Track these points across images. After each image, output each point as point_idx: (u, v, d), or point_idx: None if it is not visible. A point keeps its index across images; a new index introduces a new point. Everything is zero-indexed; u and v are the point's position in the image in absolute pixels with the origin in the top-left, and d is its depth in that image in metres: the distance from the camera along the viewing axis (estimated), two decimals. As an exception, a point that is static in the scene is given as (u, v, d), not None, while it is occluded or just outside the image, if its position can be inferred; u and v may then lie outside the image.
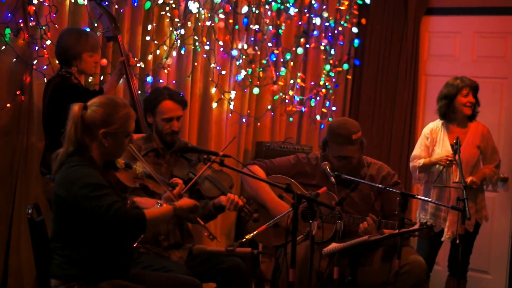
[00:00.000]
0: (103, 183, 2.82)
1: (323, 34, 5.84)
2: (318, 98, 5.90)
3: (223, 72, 5.08)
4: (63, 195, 2.81)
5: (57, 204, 2.87)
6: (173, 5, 4.64)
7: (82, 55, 3.81)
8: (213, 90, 5.04)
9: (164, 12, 4.61)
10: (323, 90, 5.91)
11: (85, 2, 4.12)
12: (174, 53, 4.72)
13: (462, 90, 4.60)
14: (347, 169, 3.88)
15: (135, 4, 4.44)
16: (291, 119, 5.76)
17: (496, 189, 4.88)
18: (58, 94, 3.70)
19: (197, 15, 4.83)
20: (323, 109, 5.94)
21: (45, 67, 3.98)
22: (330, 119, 5.89)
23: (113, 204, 2.74)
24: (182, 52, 4.80)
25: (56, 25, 3.97)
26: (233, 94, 5.18)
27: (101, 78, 4.30)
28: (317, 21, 5.75)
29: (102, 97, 3.01)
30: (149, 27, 4.55)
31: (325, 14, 5.80)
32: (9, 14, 3.82)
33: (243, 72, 5.26)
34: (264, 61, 5.44)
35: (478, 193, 4.61)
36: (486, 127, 4.70)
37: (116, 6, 4.32)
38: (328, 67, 5.90)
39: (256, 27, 5.30)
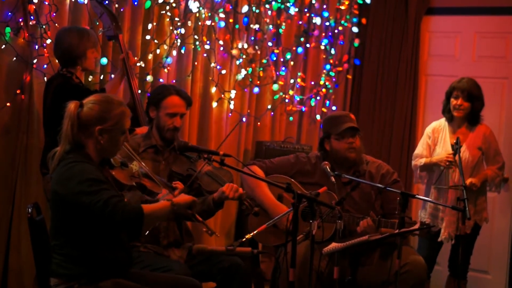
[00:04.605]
0: (100, 178, 2.82)
1: (323, 34, 5.84)
2: (318, 98, 5.89)
3: (223, 72, 5.07)
4: (60, 192, 2.82)
5: (55, 201, 2.87)
6: (173, 5, 4.64)
7: (86, 53, 3.81)
8: (213, 89, 5.03)
9: (164, 11, 4.61)
10: (323, 90, 5.91)
11: (86, 1, 4.12)
12: (174, 53, 4.72)
13: (453, 92, 4.58)
14: (353, 152, 3.93)
15: (135, 3, 4.43)
16: (291, 118, 5.76)
17: (499, 191, 4.84)
18: (60, 95, 3.67)
19: (197, 15, 4.83)
20: (323, 109, 5.94)
21: (45, 66, 3.98)
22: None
23: (110, 199, 2.74)
24: (182, 51, 4.79)
25: (56, 24, 3.96)
26: (233, 93, 5.18)
27: (101, 77, 4.30)
28: (317, 20, 5.75)
29: (97, 95, 3.00)
30: (149, 26, 4.54)
31: (326, 14, 5.80)
32: (9, 13, 3.82)
33: (243, 72, 5.26)
34: (264, 61, 5.44)
35: (479, 195, 4.59)
36: (489, 129, 4.66)
37: (117, 5, 4.31)
38: (328, 66, 5.90)
39: (257, 26, 5.30)
